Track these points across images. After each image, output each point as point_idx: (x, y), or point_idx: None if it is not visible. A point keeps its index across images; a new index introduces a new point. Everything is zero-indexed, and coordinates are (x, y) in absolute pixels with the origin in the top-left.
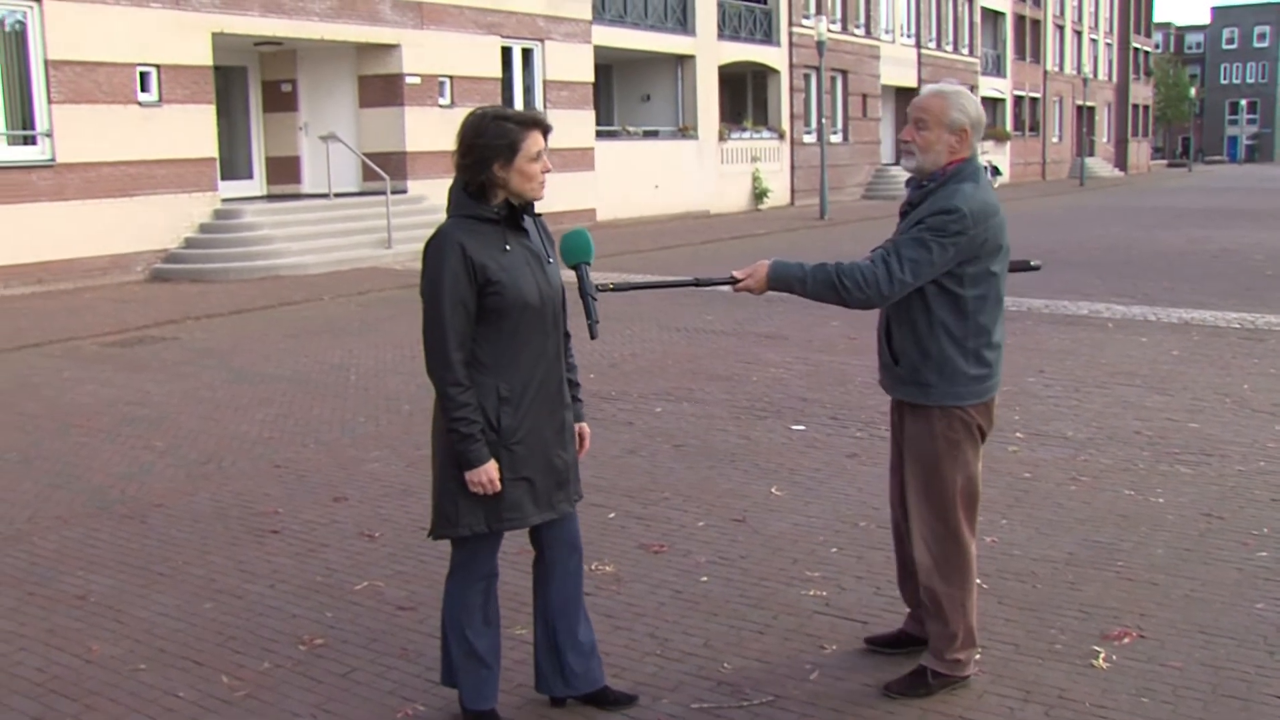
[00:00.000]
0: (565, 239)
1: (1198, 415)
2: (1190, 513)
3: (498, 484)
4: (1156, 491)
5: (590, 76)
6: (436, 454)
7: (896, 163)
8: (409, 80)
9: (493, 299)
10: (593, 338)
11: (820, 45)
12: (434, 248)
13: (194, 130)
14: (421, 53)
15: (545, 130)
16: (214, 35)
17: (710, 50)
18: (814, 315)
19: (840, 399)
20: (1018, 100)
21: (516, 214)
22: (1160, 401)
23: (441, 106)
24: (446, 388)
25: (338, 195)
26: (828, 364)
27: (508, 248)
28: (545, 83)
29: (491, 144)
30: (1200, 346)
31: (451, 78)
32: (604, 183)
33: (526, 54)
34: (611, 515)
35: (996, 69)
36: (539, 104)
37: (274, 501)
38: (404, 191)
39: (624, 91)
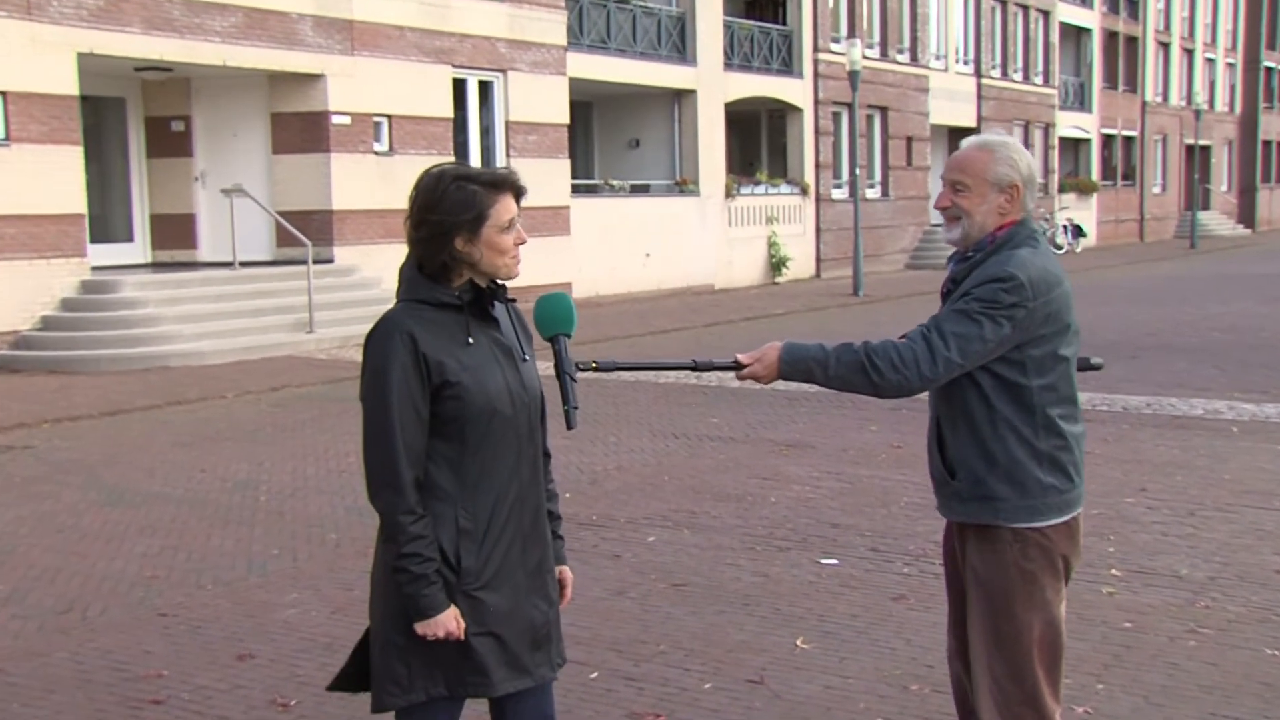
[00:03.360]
0: (541, 304)
1: None
2: None
3: (458, 634)
4: None
5: (565, 117)
6: (377, 599)
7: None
8: (336, 120)
9: (451, 404)
10: (570, 427)
11: (853, 76)
12: (377, 340)
13: (54, 178)
14: (352, 85)
15: (518, 192)
16: (80, 56)
17: (715, 83)
18: (848, 418)
19: (883, 525)
20: (1107, 140)
21: (484, 298)
22: None
23: (378, 153)
24: (397, 516)
25: (245, 265)
26: (866, 480)
27: (471, 340)
28: (508, 124)
29: (452, 213)
30: None
31: (390, 117)
32: (582, 250)
33: (485, 88)
34: (594, 675)
35: (1080, 101)
36: (500, 150)
37: (157, 661)
38: (329, 260)
39: (607, 135)
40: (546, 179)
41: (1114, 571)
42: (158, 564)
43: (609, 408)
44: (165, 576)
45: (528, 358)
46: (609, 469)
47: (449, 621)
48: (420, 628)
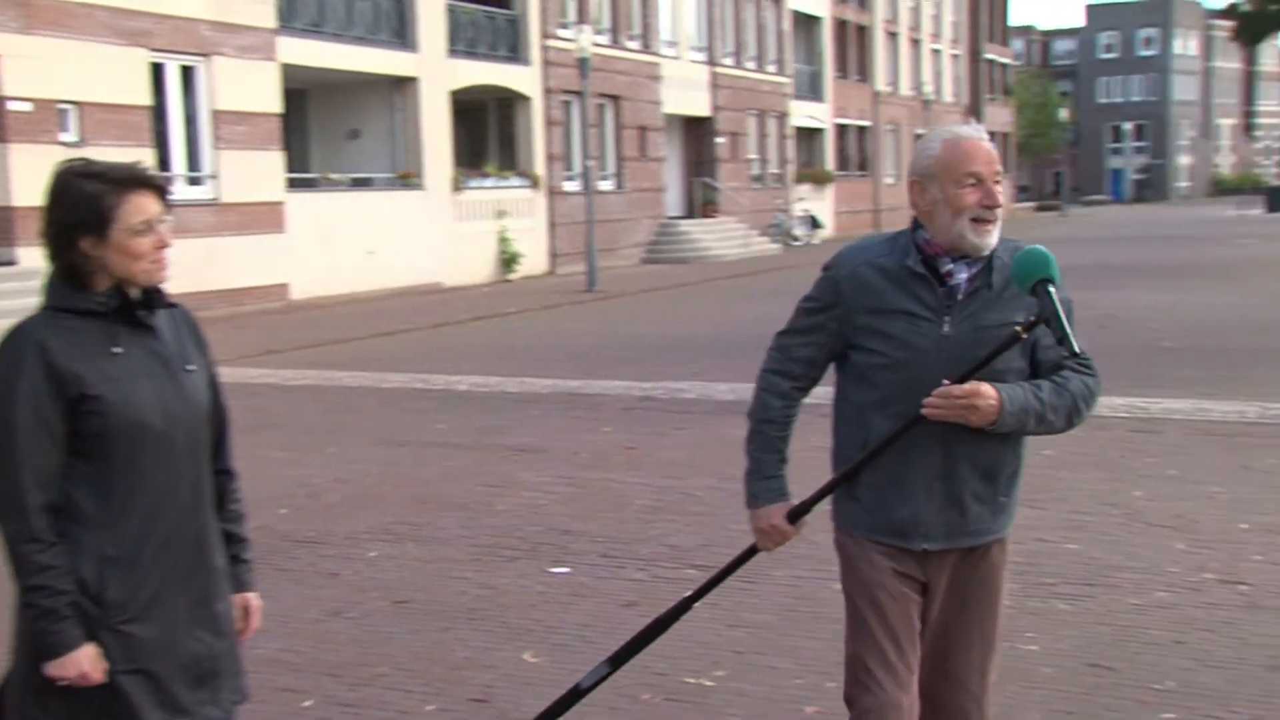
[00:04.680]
0: (1025, 256)
1: (1078, 533)
2: (1072, 662)
3: (94, 675)
4: (1026, 635)
5: (277, 105)
6: (15, 637)
7: (689, 215)
8: (14, 106)
9: (92, 420)
10: (1073, 354)
11: (583, 63)
12: (4, 353)
13: None
14: (33, 68)
15: (158, 190)
16: None
17: (439, 71)
18: (580, 420)
19: (615, 530)
20: (841, 130)
21: (132, 304)
22: (1028, 517)
23: (65, 144)
24: (20, 545)
25: None
26: (598, 483)
27: (117, 350)
28: (214, 113)
29: (73, 213)
30: (1080, 443)
31: (79, 104)
32: (299, 248)
33: (187, 73)
34: (308, 703)
35: (813, 91)
36: (206, 141)
37: None
38: (11, 263)
39: (324, 126)
40: (258, 172)
41: None
42: None
43: (328, 416)
44: None
45: (192, 368)
46: (327, 481)
47: (82, 661)
48: (50, 668)
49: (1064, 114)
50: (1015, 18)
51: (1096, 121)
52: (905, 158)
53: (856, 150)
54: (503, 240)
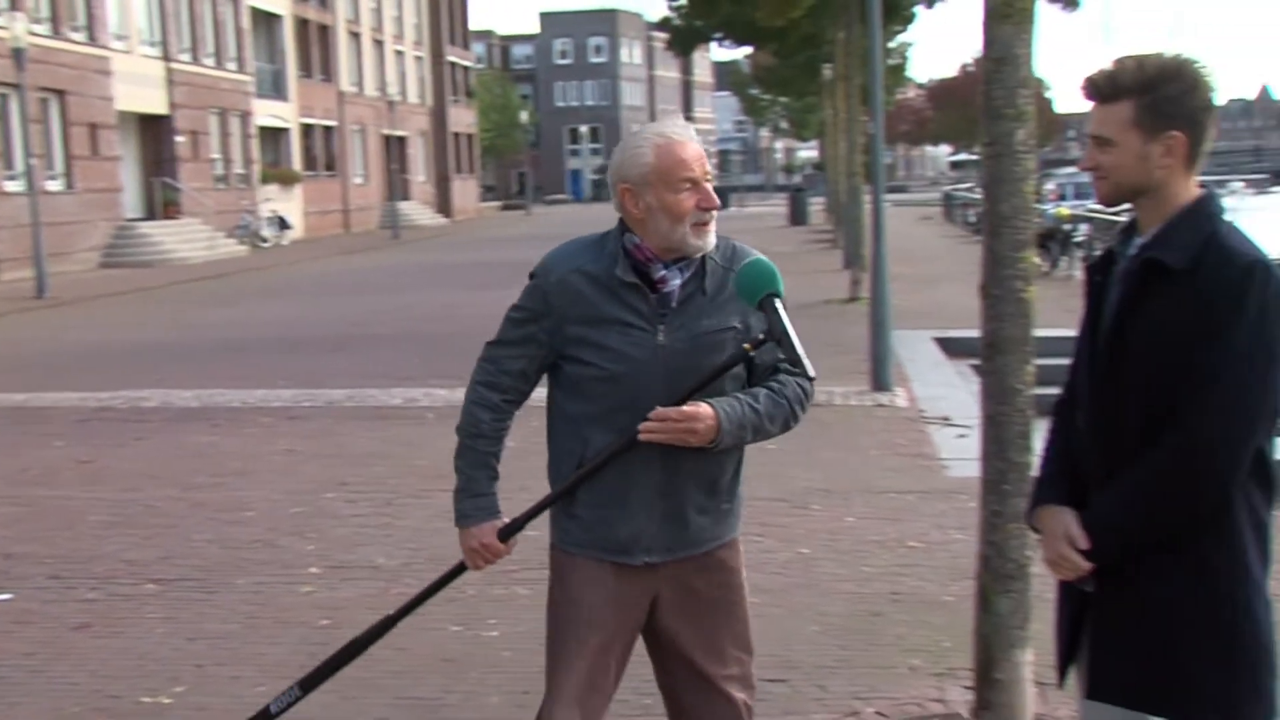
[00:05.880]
0: (752, 269)
1: (541, 522)
2: (531, 644)
3: None
4: (489, 623)
5: None
6: None
7: (150, 217)
8: None
9: None
10: (806, 376)
11: (19, 54)
12: None
13: None
14: None
15: None
16: None
17: None
18: (28, 434)
19: (67, 549)
20: (307, 130)
21: None
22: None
23: None
24: None
25: None
26: (47, 501)
27: None
28: None
29: None
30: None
31: None
32: None
33: None
34: None
35: (276, 90)
36: None
37: None
38: None
39: None
40: None
41: (313, 569)
42: None
43: None
44: None
45: None
46: None
47: None
48: None
49: (525, 116)
50: (475, 22)
51: (555, 124)
52: (372, 157)
53: (323, 150)
54: None
